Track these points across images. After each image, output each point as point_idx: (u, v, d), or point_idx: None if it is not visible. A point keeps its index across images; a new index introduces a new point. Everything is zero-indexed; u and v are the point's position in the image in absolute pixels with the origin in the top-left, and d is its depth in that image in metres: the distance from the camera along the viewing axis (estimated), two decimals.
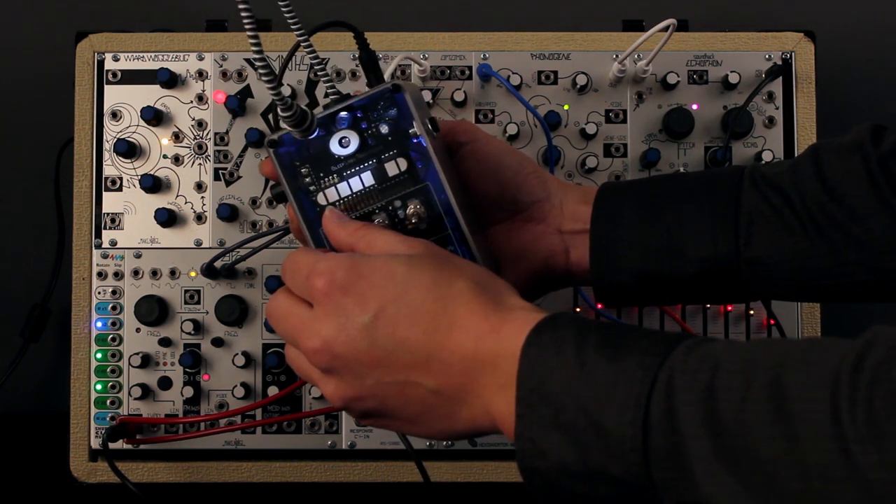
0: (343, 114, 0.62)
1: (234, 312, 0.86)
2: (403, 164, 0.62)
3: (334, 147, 0.62)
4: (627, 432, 0.47)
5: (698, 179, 0.68)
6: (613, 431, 0.47)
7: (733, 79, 0.87)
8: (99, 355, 0.88)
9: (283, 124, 0.61)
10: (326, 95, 0.65)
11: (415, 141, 0.62)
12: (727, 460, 0.44)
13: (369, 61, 0.66)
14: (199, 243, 0.88)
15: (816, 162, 0.64)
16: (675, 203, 0.66)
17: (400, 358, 0.53)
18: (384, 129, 0.62)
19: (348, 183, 0.62)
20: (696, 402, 0.45)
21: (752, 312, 0.88)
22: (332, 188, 0.62)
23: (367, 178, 0.62)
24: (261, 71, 0.56)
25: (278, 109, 0.59)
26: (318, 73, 0.64)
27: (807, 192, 0.64)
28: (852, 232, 0.62)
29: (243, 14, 0.53)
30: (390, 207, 0.62)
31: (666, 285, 0.67)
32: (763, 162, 0.87)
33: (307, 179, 0.63)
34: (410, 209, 0.62)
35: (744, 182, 0.66)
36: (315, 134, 0.62)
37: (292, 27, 0.62)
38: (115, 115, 0.88)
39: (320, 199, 0.63)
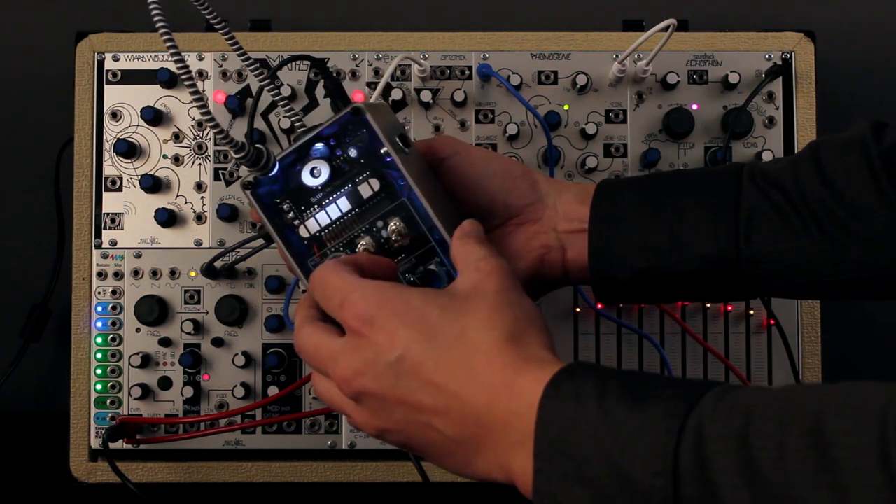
0: (314, 145, 0.62)
1: (234, 312, 0.86)
2: (376, 184, 0.62)
3: (307, 178, 0.62)
4: (656, 483, 0.45)
5: (697, 176, 0.67)
6: (640, 483, 0.45)
7: (733, 79, 0.87)
8: (99, 355, 0.87)
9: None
10: (294, 125, 0.65)
11: (387, 160, 0.62)
12: None
13: (334, 88, 0.66)
14: (199, 243, 0.88)
15: (817, 158, 0.64)
16: (675, 200, 0.66)
17: (422, 400, 0.53)
18: (353, 152, 0.62)
19: (326, 211, 0.63)
20: (730, 451, 0.44)
21: (752, 312, 0.88)
22: (312, 219, 0.63)
23: (344, 204, 0.62)
24: (201, 112, 0.57)
25: (231, 152, 0.60)
26: (283, 109, 0.65)
27: (807, 188, 0.63)
28: (854, 229, 0.62)
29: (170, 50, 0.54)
30: (374, 229, 0.63)
31: (665, 283, 0.66)
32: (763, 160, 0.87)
33: (290, 215, 0.63)
34: (391, 227, 0.62)
35: (743, 179, 0.65)
36: (276, 170, 0.62)
37: (255, 74, 0.63)
38: (115, 115, 0.88)
39: (302, 231, 0.63)
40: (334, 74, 0.88)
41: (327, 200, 0.63)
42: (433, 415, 0.53)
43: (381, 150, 0.62)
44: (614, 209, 0.67)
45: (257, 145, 0.61)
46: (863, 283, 0.63)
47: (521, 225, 0.69)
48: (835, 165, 0.63)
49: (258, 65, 0.64)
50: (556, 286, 0.72)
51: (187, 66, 0.57)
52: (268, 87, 0.65)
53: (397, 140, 0.62)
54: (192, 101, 0.58)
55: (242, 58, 0.64)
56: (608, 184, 0.69)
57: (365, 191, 0.62)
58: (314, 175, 0.62)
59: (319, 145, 0.62)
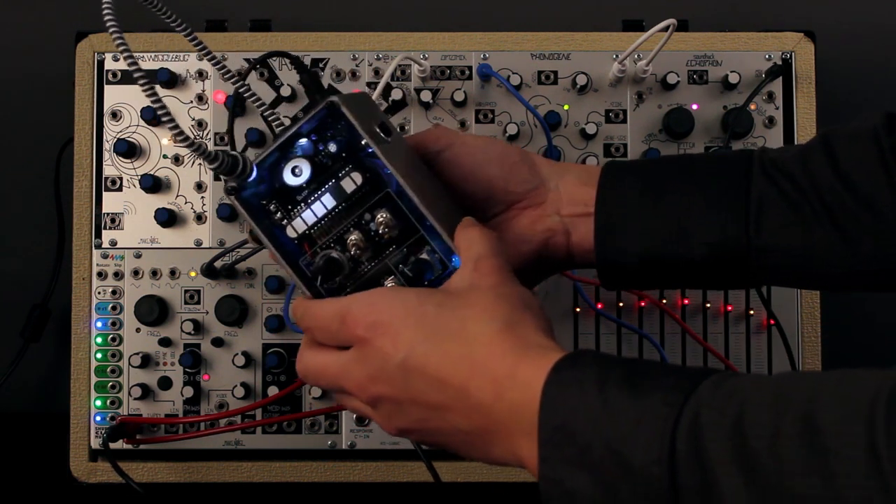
0: (295, 142, 0.61)
1: (234, 312, 0.86)
2: (359, 178, 0.61)
3: (289, 178, 0.61)
4: (654, 471, 0.46)
5: (706, 161, 0.67)
6: (640, 470, 0.46)
7: (733, 79, 0.87)
8: (99, 355, 0.87)
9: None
10: (272, 124, 0.65)
11: (369, 150, 0.61)
12: (761, 498, 0.43)
13: (311, 82, 0.65)
14: (199, 243, 0.88)
15: (828, 148, 0.63)
16: (683, 185, 0.65)
17: (432, 397, 0.54)
18: (333, 147, 0.61)
19: (312, 209, 0.62)
20: (725, 439, 0.44)
21: (752, 312, 0.88)
22: (298, 218, 0.62)
23: (328, 200, 0.61)
24: (169, 126, 0.56)
25: (204, 163, 0.59)
26: (260, 108, 0.64)
27: (818, 178, 0.62)
28: (865, 221, 0.61)
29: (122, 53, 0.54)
30: (362, 222, 0.62)
31: (671, 269, 0.66)
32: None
33: (277, 215, 0.62)
34: (378, 219, 0.61)
35: (753, 166, 0.65)
36: (255, 175, 0.61)
37: (224, 77, 0.62)
38: (115, 115, 0.88)
39: (290, 231, 0.62)
40: (335, 75, 0.88)
41: (312, 198, 0.62)
42: (445, 411, 0.54)
43: (363, 142, 0.61)
44: (620, 193, 0.66)
45: (231, 152, 0.60)
46: (871, 275, 0.63)
47: (524, 210, 0.68)
48: (846, 156, 0.62)
49: (234, 71, 0.63)
50: (561, 268, 0.72)
51: (167, 109, 0.56)
52: (241, 89, 0.64)
53: (377, 130, 0.61)
54: (156, 110, 0.56)
55: (208, 57, 0.62)
56: (614, 166, 0.68)
57: (348, 185, 0.61)
58: (296, 174, 0.61)
59: (302, 141, 0.62)
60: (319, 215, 0.62)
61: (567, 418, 0.49)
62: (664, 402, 0.47)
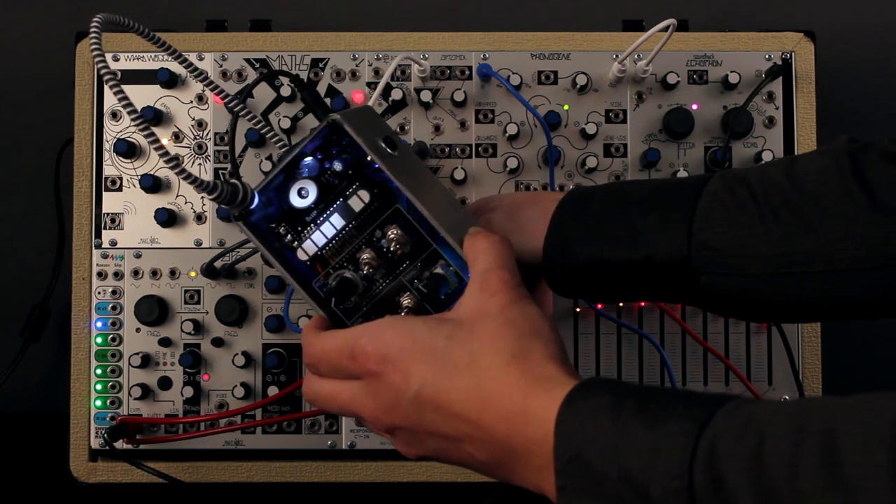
0: (300, 162, 0.60)
1: (234, 312, 0.86)
2: (366, 196, 0.61)
3: (295, 200, 0.61)
4: (673, 502, 0.46)
5: (670, 181, 0.67)
6: (660, 500, 0.46)
7: (733, 79, 0.87)
8: (99, 355, 0.87)
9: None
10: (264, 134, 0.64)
11: (375, 166, 0.60)
12: None
13: (312, 99, 0.64)
14: (199, 243, 0.88)
15: (789, 161, 0.64)
16: (642, 196, 0.65)
17: (447, 430, 0.55)
18: (338, 165, 0.61)
19: (321, 231, 0.61)
20: (744, 470, 0.44)
21: None
22: (308, 240, 0.61)
23: (337, 221, 0.61)
24: (164, 159, 0.55)
25: (204, 194, 0.57)
26: (261, 130, 0.64)
27: (772, 185, 0.62)
28: (807, 216, 0.60)
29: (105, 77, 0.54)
30: (374, 240, 0.61)
31: (616, 272, 0.65)
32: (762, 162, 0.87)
33: (288, 237, 0.61)
34: (390, 235, 0.60)
35: (713, 177, 0.65)
36: (256, 203, 0.60)
37: (227, 104, 0.62)
38: (115, 115, 0.88)
39: (300, 254, 0.62)
40: (335, 75, 0.88)
41: (321, 219, 0.61)
42: (461, 442, 0.55)
43: (368, 159, 0.60)
44: (580, 202, 0.67)
45: (231, 180, 0.59)
46: (815, 279, 0.61)
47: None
48: (805, 168, 0.62)
49: (232, 97, 0.63)
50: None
51: (155, 135, 0.55)
52: (237, 108, 0.64)
53: (382, 144, 0.60)
54: (145, 136, 0.55)
55: (190, 68, 0.62)
56: (581, 189, 0.69)
57: (356, 204, 0.61)
58: (302, 196, 0.61)
59: (308, 160, 0.61)
60: (329, 236, 0.61)
61: (582, 449, 0.49)
62: (680, 431, 0.47)
